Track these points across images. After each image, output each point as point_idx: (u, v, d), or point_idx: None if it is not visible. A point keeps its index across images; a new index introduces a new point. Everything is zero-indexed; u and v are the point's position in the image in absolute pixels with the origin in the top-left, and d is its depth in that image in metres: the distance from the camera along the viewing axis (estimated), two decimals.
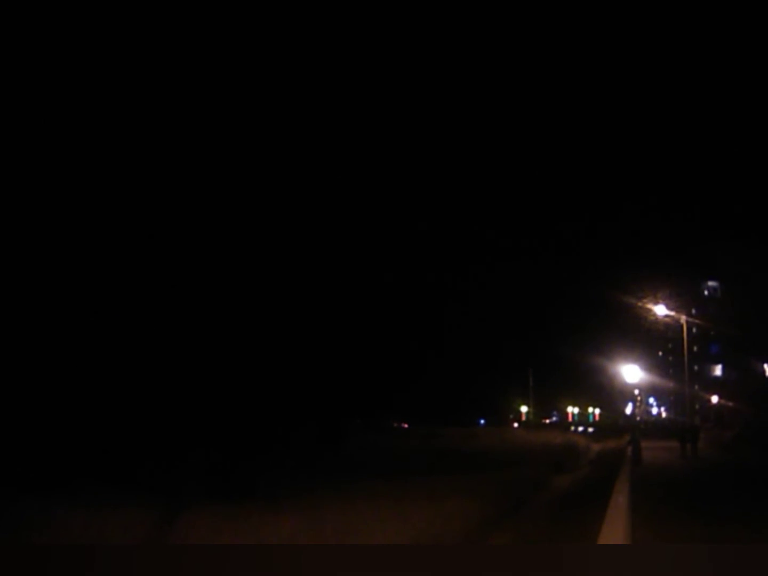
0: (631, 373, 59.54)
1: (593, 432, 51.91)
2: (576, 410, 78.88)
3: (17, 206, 16.53)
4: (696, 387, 59.80)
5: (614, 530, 9.66)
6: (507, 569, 4.94)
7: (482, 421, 58.49)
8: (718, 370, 67.88)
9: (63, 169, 17.45)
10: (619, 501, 13.02)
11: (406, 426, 43.70)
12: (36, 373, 16.64)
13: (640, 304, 50.30)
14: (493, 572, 4.98)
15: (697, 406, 55.83)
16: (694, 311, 60.47)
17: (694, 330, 57.14)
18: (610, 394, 73.02)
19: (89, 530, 7.77)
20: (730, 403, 56.52)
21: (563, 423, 69.68)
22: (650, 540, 9.16)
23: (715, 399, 60.26)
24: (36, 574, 5.27)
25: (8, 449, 13.90)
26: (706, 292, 67.95)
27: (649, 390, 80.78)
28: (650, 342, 69.75)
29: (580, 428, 60.45)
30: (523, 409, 71.46)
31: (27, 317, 17.07)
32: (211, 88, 19.86)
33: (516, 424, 60.61)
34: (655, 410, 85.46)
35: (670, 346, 69.94)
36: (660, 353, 77.62)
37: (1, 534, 7.41)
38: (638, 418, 74.91)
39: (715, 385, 63.87)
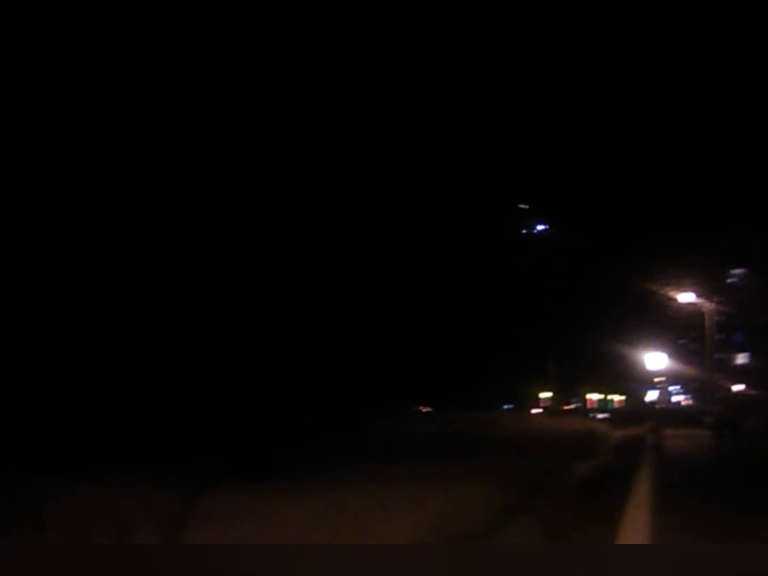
0: (654, 360, 59.09)
1: (614, 419, 51.57)
2: (597, 397, 78.39)
3: (16, 204, 16.60)
4: (719, 375, 59.22)
5: (637, 517, 9.58)
6: (520, 569, 4.86)
7: (506, 407, 58.25)
8: (742, 359, 67.18)
9: (62, 167, 17.48)
10: (642, 488, 12.93)
11: (425, 410, 43.63)
12: (57, 355, 16.79)
13: (664, 291, 49.91)
14: (505, 573, 4.90)
15: (719, 395, 55.31)
16: (719, 299, 59.80)
17: (718, 318, 56.50)
18: (632, 381, 72.56)
19: (110, 509, 7.78)
20: (754, 392, 55.96)
21: (583, 409, 69.32)
22: (675, 527, 9.06)
23: (738, 387, 59.69)
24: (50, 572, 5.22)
25: (27, 427, 14.05)
26: (732, 280, 67.13)
27: (671, 377, 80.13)
28: (674, 329, 69.09)
29: (600, 415, 60.10)
30: (544, 395, 71.11)
31: (53, 304, 17.21)
32: (205, 81, 19.70)
33: (536, 410, 60.39)
34: (676, 398, 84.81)
35: (693, 333, 69.20)
36: (683, 341, 76.84)
37: (23, 511, 7.43)
38: (659, 406, 74.37)
39: (739, 373, 63.24)
